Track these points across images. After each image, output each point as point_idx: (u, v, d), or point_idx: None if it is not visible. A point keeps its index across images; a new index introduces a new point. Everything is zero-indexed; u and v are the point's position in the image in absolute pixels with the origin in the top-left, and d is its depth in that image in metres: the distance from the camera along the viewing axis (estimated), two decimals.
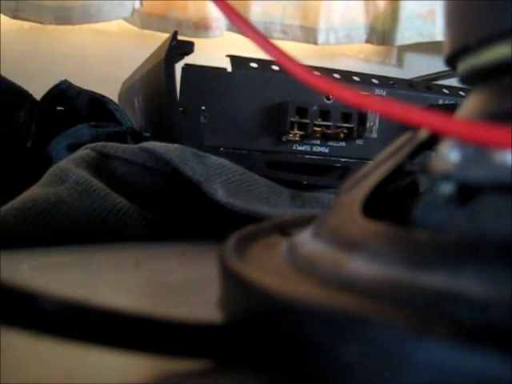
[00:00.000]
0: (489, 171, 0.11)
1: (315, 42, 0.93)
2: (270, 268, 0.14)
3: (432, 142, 0.16)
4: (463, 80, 0.17)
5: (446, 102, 0.47)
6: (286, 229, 0.20)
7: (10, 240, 0.26)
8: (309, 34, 0.93)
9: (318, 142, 0.43)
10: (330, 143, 0.44)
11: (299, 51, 0.93)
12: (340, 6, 0.93)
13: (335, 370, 0.09)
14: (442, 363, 0.08)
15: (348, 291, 0.10)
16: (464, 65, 0.16)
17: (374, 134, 0.44)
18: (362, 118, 0.43)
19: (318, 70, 0.44)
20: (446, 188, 0.11)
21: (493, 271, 0.09)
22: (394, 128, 0.37)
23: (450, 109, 0.46)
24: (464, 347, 0.08)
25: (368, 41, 0.97)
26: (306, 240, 0.14)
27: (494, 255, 0.09)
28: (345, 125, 0.43)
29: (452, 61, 0.17)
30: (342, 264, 0.11)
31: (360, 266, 0.11)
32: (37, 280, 0.21)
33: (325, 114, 0.42)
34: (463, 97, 0.47)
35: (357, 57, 1.01)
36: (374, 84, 0.45)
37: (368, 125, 0.43)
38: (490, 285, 0.09)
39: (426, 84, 0.50)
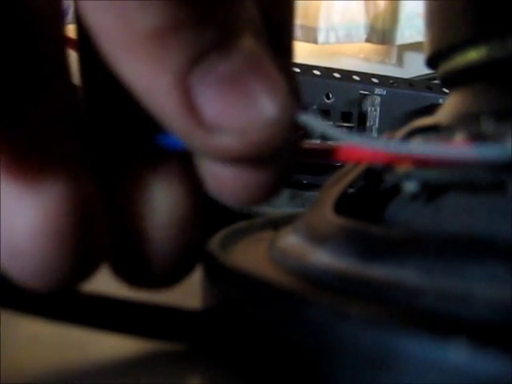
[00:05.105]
0: (446, 170, 0.12)
1: (315, 42, 0.94)
2: (250, 259, 0.14)
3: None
4: (443, 82, 0.18)
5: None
6: (279, 225, 0.21)
7: None
8: (309, 34, 0.93)
9: (318, 141, 0.44)
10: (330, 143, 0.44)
11: (299, 50, 0.94)
12: (340, 5, 0.94)
13: (280, 348, 0.10)
14: (369, 344, 0.09)
15: (307, 280, 0.11)
16: (442, 67, 0.17)
17: (374, 134, 0.44)
18: (362, 117, 0.43)
19: (318, 69, 0.44)
20: (410, 186, 0.12)
21: (430, 263, 0.10)
22: (394, 127, 0.38)
23: None
24: (395, 329, 0.08)
25: (368, 40, 0.98)
26: (285, 234, 0.15)
27: (433, 249, 0.10)
28: (345, 124, 0.43)
29: (432, 63, 0.18)
30: (307, 256, 0.12)
31: (321, 258, 0.11)
32: None
33: (324, 114, 0.43)
34: None
35: (357, 56, 1.01)
36: (374, 83, 0.45)
37: (368, 124, 0.44)
38: (425, 275, 0.10)
39: (427, 83, 0.50)
